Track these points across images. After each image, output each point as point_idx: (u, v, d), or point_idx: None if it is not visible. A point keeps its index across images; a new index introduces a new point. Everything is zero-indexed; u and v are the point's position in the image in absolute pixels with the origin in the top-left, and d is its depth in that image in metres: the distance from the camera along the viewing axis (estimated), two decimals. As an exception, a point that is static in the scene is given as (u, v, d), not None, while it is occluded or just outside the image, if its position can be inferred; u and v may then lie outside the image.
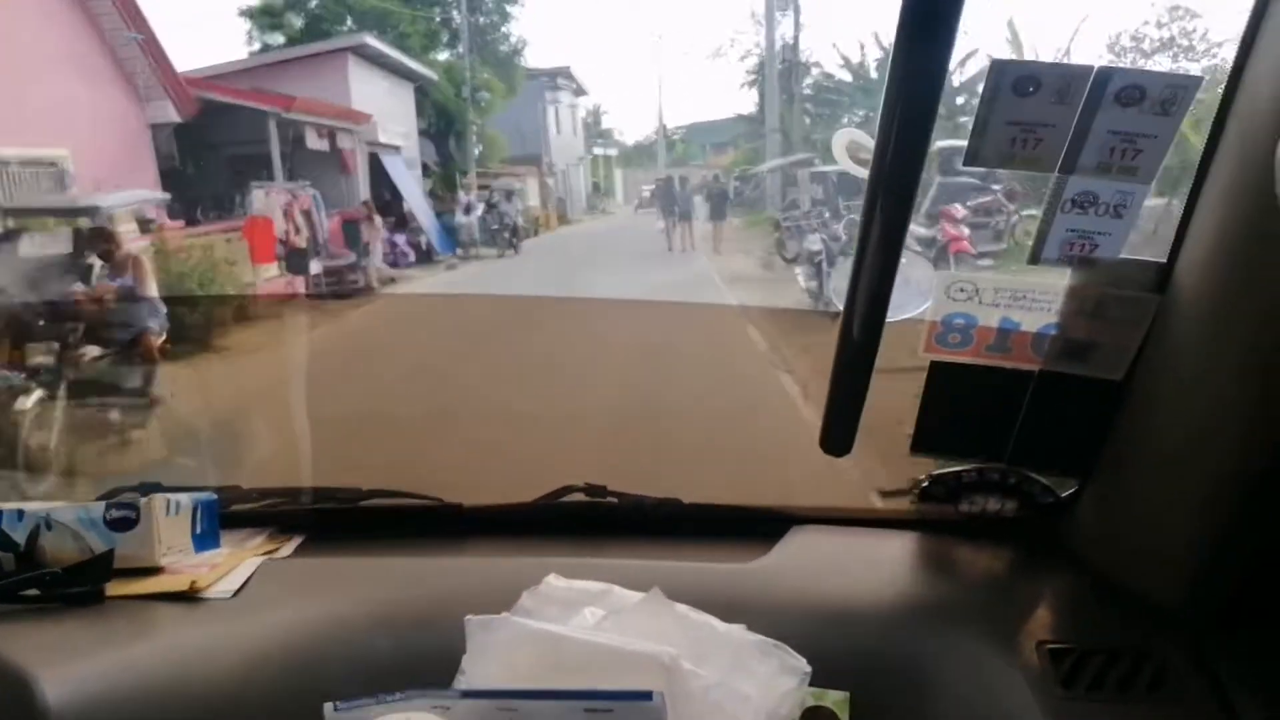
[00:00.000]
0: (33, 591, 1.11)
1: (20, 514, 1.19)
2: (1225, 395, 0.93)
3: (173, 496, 1.26)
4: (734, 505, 1.49)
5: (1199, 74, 0.78)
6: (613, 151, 37.70)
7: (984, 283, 1.01)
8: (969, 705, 1.00)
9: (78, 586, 1.11)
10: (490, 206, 16.92)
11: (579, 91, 30.71)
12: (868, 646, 1.07)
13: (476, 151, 20.22)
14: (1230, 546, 0.97)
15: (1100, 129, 0.78)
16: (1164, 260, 0.95)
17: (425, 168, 19.40)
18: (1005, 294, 1.01)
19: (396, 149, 16.39)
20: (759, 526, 1.35)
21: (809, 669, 0.93)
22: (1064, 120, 0.78)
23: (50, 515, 1.19)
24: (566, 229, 23.83)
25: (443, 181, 19.09)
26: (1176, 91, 0.77)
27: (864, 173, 0.80)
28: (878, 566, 1.24)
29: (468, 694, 0.88)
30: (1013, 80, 0.76)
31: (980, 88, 0.75)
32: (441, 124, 20.22)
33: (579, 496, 1.46)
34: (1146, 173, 0.82)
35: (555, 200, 25.67)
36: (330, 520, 1.45)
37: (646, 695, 0.82)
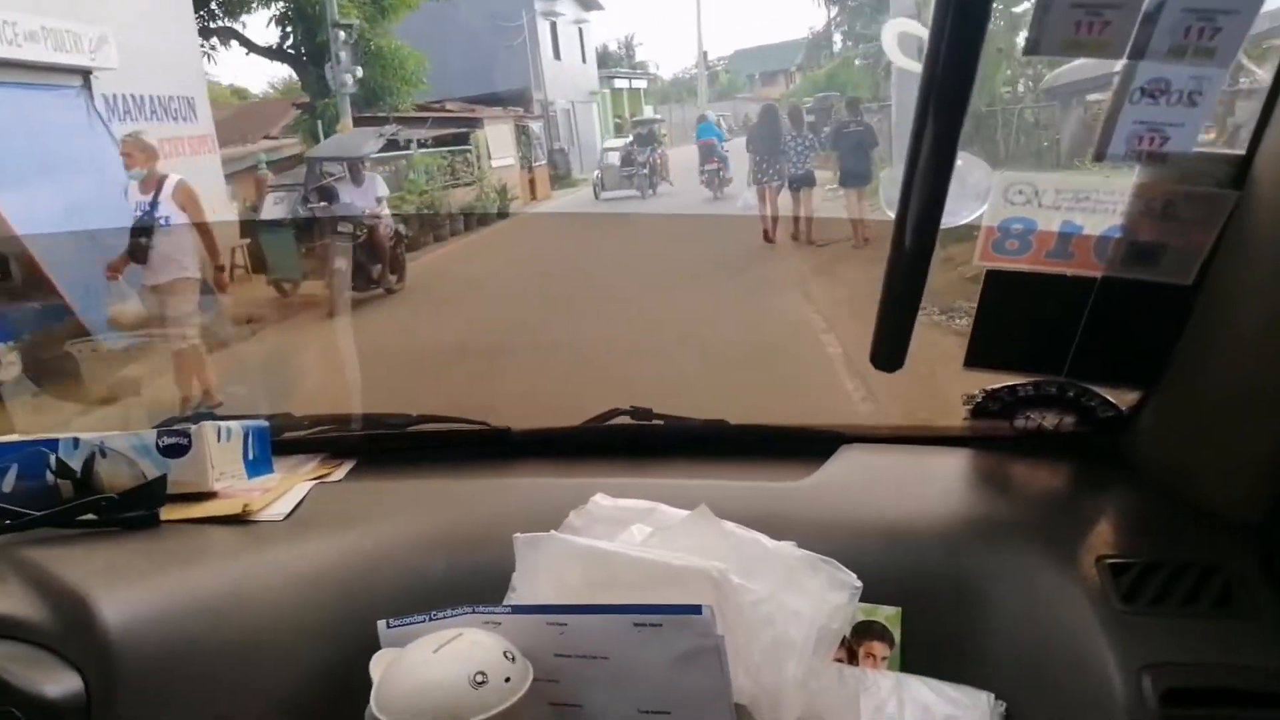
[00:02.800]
0: (90, 516, 1.14)
1: (76, 442, 1.21)
2: None
3: (224, 424, 1.27)
4: (781, 425, 1.47)
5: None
6: (641, 84, 30.44)
7: (1044, 184, 0.95)
8: (1024, 621, 0.98)
9: (133, 511, 1.14)
10: (317, 196, 9.37)
11: (588, 2, 23.98)
12: (920, 563, 1.05)
13: (349, 80, 12.79)
14: None
15: (1175, 5, 0.72)
16: (1242, 153, 0.89)
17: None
18: (1067, 195, 0.95)
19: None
20: (807, 446, 1.33)
21: (859, 584, 0.92)
22: (1134, -1, 0.72)
23: (105, 443, 1.21)
24: (551, 203, 17.68)
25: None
26: (1262, -41, 0.70)
27: (917, 66, 0.75)
28: (929, 483, 1.22)
29: (518, 609, 0.89)
30: (1079, -46, 0.70)
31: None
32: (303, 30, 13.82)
33: (625, 420, 1.45)
34: (1226, 54, 0.75)
35: (553, 153, 19.78)
36: (381, 445, 1.47)
37: (696, 609, 0.81)
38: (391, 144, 12.33)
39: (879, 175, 9.48)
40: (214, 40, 14.26)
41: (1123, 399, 1.19)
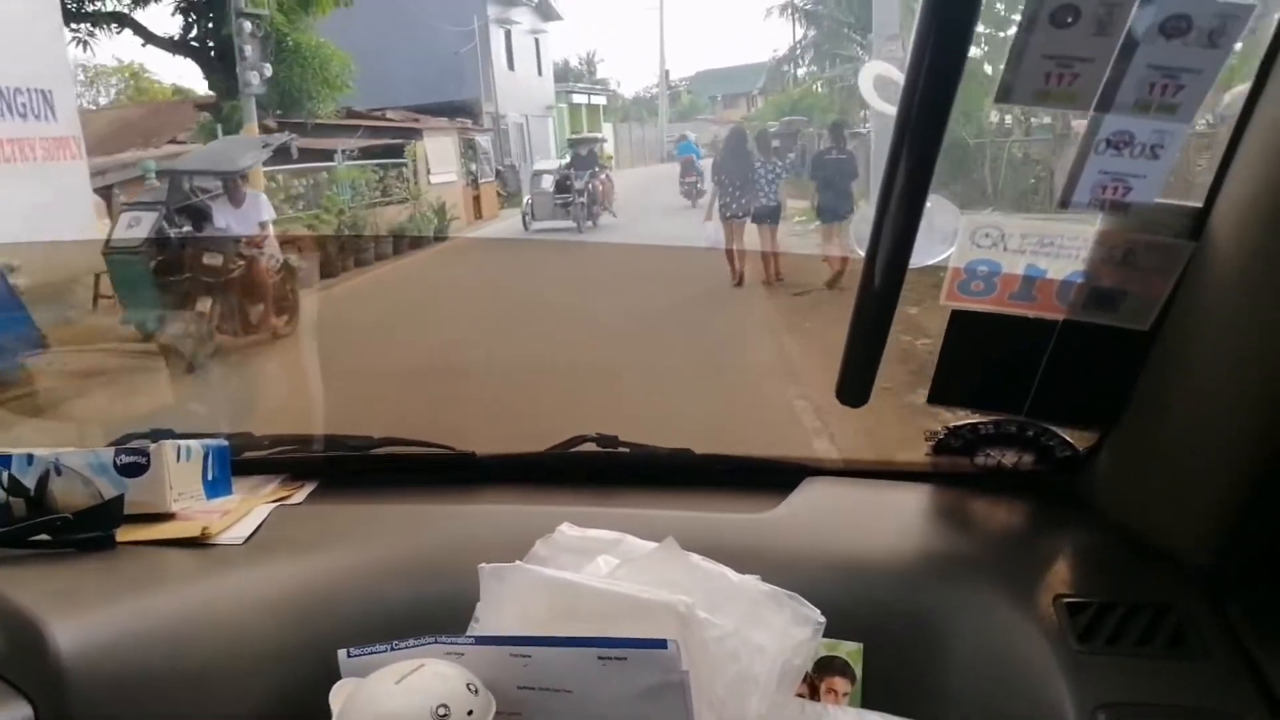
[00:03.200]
0: (43, 537, 1.11)
1: (30, 458, 1.18)
2: (1257, 348, 0.90)
3: (183, 443, 1.25)
4: (746, 456, 1.48)
5: (1251, 1, 0.74)
6: (600, 100, 28.75)
7: (1010, 228, 0.97)
8: (983, 658, 0.99)
9: (88, 532, 1.11)
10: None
11: (547, 12, 22.59)
12: (881, 598, 1.06)
13: (256, 78, 11.03)
14: (1258, 502, 0.95)
15: (1140, 63, 0.75)
16: (1199, 205, 0.92)
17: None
18: (1032, 240, 0.98)
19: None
20: (771, 477, 1.34)
21: (823, 619, 0.93)
22: (1103, 54, 0.74)
23: (60, 460, 1.18)
24: (497, 224, 15.88)
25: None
26: (1226, 21, 0.72)
27: (892, 109, 0.77)
28: (891, 518, 1.23)
29: (482, 640, 0.88)
30: (1051, 9, 0.72)
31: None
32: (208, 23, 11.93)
33: (590, 447, 1.45)
34: (1187, 111, 0.78)
35: (503, 170, 18.03)
36: (342, 467, 1.45)
37: (661, 644, 0.81)
38: (317, 155, 11.13)
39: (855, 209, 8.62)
40: (92, 26, 12.52)
41: (1081, 439, 1.21)
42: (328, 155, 12.41)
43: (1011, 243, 0.98)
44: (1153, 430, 1.07)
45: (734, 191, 9.48)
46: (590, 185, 14.48)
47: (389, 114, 15.23)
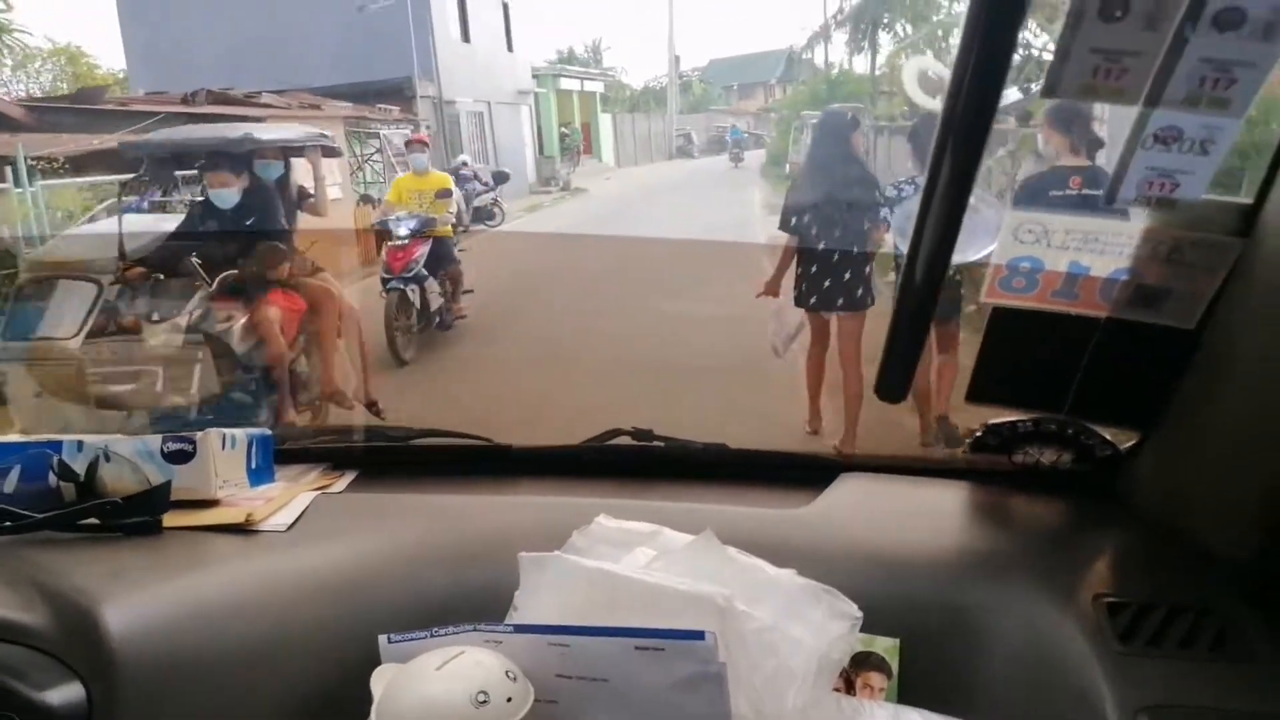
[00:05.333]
0: (92, 521, 1.13)
1: (80, 445, 1.21)
2: None
3: (228, 431, 1.27)
4: (781, 451, 1.48)
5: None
6: (595, 86, 24.49)
7: (1054, 224, 0.97)
8: (1022, 656, 0.99)
9: (136, 517, 1.14)
10: None
11: None
12: (918, 595, 1.06)
13: None
14: None
15: (1192, 57, 0.74)
16: (1249, 202, 0.91)
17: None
18: (1076, 236, 0.97)
19: None
20: (806, 473, 1.34)
21: (860, 614, 0.92)
22: (1152, 47, 0.74)
23: (109, 447, 1.21)
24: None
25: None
26: (1282, 14, 0.72)
27: (935, 104, 0.76)
28: (928, 515, 1.23)
29: (520, 629, 0.89)
30: (1100, 3, 0.71)
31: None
32: None
33: (625, 440, 1.46)
34: (1239, 106, 0.77)
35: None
36: (382, 457, 1.47)
37: (699, 635, 0.82)
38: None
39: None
40: None
41: (1121, 438, 1.20)
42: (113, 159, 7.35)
43: (1055, 239, 0.97)
44: (1196, 430, 1.05)
45: (829, 250, 4.33)
46: (437, 289, 6.99)
47: (266, 97, 10.99)
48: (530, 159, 17.43)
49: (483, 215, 12.18)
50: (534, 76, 19.65)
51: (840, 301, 4.26)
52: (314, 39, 13.33)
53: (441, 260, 6.96)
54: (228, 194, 4.59)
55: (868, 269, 4.26)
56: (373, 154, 12.47)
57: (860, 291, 4.25)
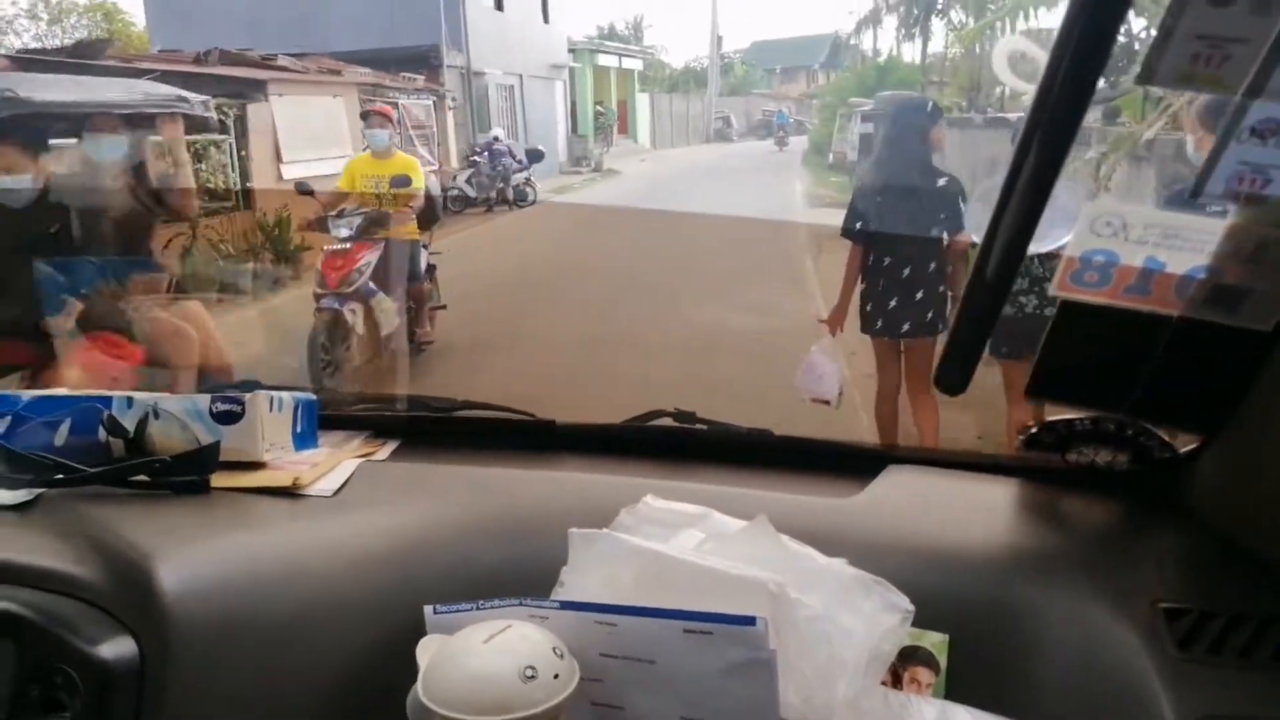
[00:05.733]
0: (142, 478, 1.14)
1: (130, 401, 1.22)
2: None
3: (275, 393, 1.28)
4: (826, 440, 1.46)
5: None
6: (634, 64, 23.40)
7: (1133, 218, 0.93)
8: (1075, 659, 0.97)
9: (185, 475, 1.14)
10: None
11: None
12: (968, 591, 1.04)
13: None
14: None
15: (1301, 46, 0.71)
16: None
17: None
18: (1155, 230, 0.93)
19: None
20: (852, 463, 1.32)
21: (912, 607, 0.91)
22: (1260, 34, 0.70)
23: (158, 404, 1.21)
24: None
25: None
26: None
27: (1028, 86, 0.74)
28: (978, 510, 1.21)
29: (567, 605, 0.88)
30: (1210, -14, 0.68)
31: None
32: None
33: (668, 421, 1.44)
34: (1346, 100, 0.74)
35: (474, 155, 11.83)
36: (424, 428, 1.47)
37: (750, 620, 0.80)
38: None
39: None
40: None
41: (1180, 441, 1.17)
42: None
43: (1133, 233, 0.94)
44: (1264, 437, 1.02)
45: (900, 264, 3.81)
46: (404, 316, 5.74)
47: (283, 60, 10.35)
48: (562, 137, 16.27)
49: (518, 195, 11.58)
50: (570, 51, 18.77)
51: (906, 326, 3.78)
52: (340, 1, 12.58)
53: (400, 271, 5.29)
54: (13, 185, 2.92)
55: (942, 287, 3.79)
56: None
57: (931, 315, 3.74)
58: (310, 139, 9.22)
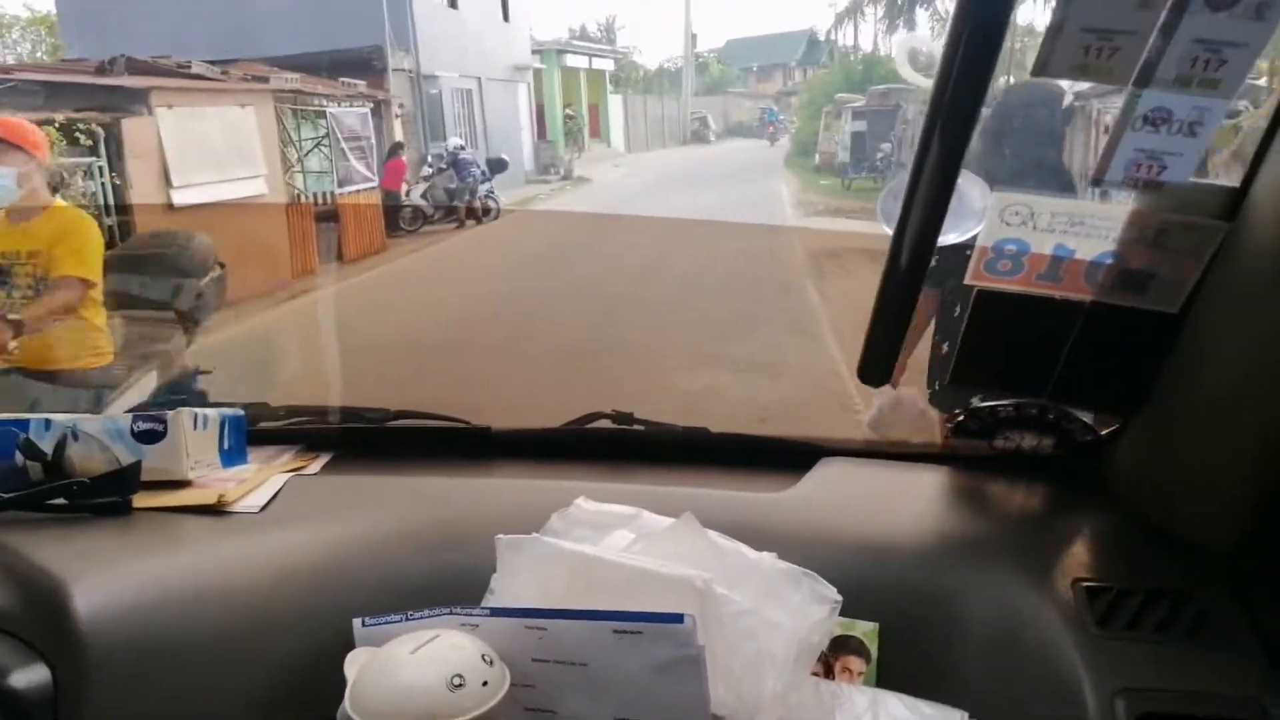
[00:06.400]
0: (60, 501, 1.11)
1: (47, 423, 1.18)
2: None
3: (200, 411, 1.25)
4: (762, 435, 1.48)
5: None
6: (605, 64, 22.49)
7: (1041, 206, 0.96)
8: (1000, 641, 0.99)
9: (105, 497, 1.11)
10: None
11: None
12: (898, 579, 1.05)
13: None
14: None
15: (1184, 37, 0.73)
16: (1235, 185, 0.90)
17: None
18: (1062, 219, 0.96)
19: None
20: (787, 457, 1.34)
21: (839, 598, 0.92)
22: (1145, 26, 0.73)
23: (77, 425, 1.18)
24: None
25: None
26: (1274, -7, 0.71)
27: (927, 82, 0.75)
28: (908, 500, 1.22)
29: (496, 612, 0.88)
30: (1094, -20, 0.70)
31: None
32: None
33: (606, 423, 1.44)
34: (1229, 87, 0.76)
35: (429, 169, 10.70)
36: (357, 439, 1.45)
37: (678, 618, 0.81)
38: None
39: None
40: None
41: (1103, 423, 1.20)
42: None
43: (1041, 221, 0.96)
44: (1178, 415, 1.05)
45: None
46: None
47: (197, 67, 8.99)
48: (528, 143, 15.34)
49: (480, 209, 10.62)
50: (535, 51, 17.70)
51: None
52: (269, 2, 11.51)
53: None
54: None
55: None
56: (322, 138, 10.02)
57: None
58: (209, 158, 7.64)
